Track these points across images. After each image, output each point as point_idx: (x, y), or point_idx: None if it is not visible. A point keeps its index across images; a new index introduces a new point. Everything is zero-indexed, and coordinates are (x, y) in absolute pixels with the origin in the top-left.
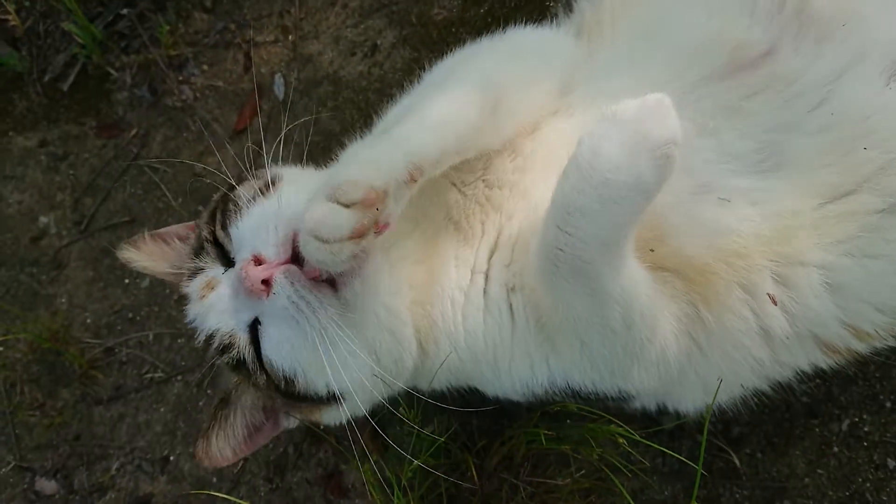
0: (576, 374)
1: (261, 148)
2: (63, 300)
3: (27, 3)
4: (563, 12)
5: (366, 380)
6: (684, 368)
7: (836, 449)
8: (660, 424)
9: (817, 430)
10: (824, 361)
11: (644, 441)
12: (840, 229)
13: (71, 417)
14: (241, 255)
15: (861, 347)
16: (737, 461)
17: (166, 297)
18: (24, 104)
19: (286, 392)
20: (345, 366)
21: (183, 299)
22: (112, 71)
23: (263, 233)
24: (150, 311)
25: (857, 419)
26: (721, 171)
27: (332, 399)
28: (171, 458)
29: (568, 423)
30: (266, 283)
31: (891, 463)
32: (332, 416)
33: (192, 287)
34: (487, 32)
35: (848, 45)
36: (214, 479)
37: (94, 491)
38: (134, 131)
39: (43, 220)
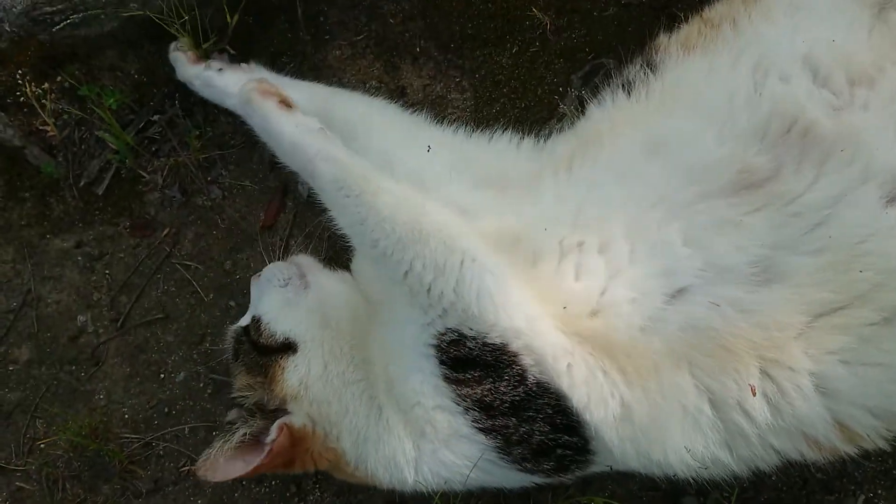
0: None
1: (287, 243)
2: (101, 396)
3: (65, 116)
4: (571, 112)
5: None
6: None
7: None
8: None
9: None
10: (809, 455)
11: None
12: (833, 340)
13: None
14: None
15: (847, 448)
16: None
17: (200, 391)
18: (60, 208)
19: (256, 346)
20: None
21: (217, 392)
22: (144, 174)
23: None
24: (185, 405)
25: (871, 494)
26: (705, 278)
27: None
28: None
29: None
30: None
31: None
32: (292, 375)
33: None
34: (499, 131)
35: (848, 169)
36: None
37: None
38: (166, 230)
39: (81, 318)
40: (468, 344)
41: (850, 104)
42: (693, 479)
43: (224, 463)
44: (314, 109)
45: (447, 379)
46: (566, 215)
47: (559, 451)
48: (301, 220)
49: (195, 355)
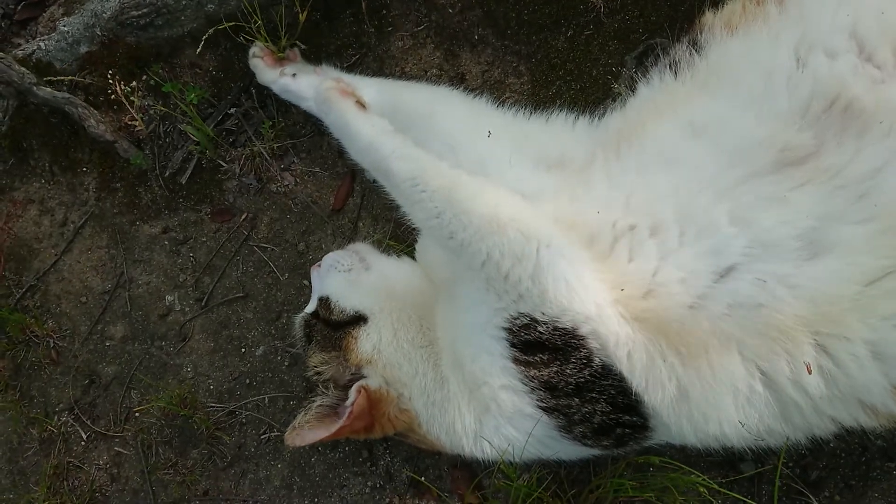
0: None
1: (355, 225)
2: (189, 369)
3: (151, 111)
4: (625, 92)
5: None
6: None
7: None
8: (740, 472)
9: (895, 472)
10: (866, 422)
11: (723, 490)
12: (886, 305)
13: (200, 475)
14: None
15: None
16: None
17: (278, 364)
18: (148, 196)
19: (329, 323)
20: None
21: (293, 365)
22: (223, 163)
23: None
24: (264, 377)
25: None
26: (753, 255)
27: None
28: None
29: (651, 470)
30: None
31: None
32: (365, 342)
33: None
34: (556, 111)
35: (888, 140)
36: None
37: None
38: (244, 215)
39: (169, 298)
40: (539, 328)
41: (893, 76)
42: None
43: (307, 431)
44: (383, 102)
45: (516, 361)
46: (618, 199)
47: (619, 429)
48: (368, 203)
49: (273, 331)
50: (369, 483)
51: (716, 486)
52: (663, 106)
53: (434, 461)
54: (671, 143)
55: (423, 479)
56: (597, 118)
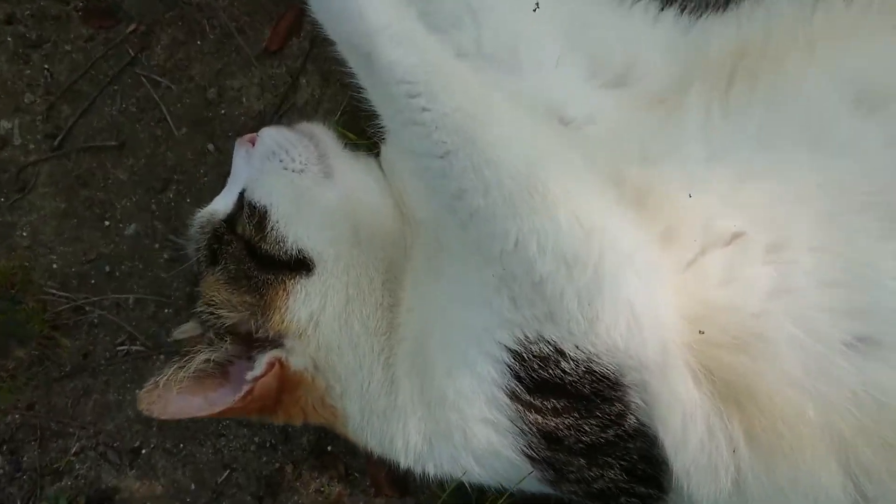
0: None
1: (295, 80)
2: (25, 233)
3: None
4: None
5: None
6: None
7: None
8: None
9: None
10: None
11: None
12: None
13: (25, 383)
14: None
15: None
16: None
17: (154, 254)
18: None
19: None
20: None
21: (176, 260)
22: None
23: None
24: (133, 268)
25: None
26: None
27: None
28: (144, 450)
29: None
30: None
31: None
32: (302, 305)
33: None
34: None
35: None
36: (193, 486)
37: (47, 474)
38: (133, 26)
39: (6, 124)
40: (564, 365)
41: None
42: None
43: (177, 397)
44: None
45: (514, 397)
46: (720, 178)
47: (623, 498)
48: (319, 52)
49: (154, 205)
50: (257, 439)
51: None
52: (821, 40)
53: None
54: (824, 107)
55: (329, 448)
56: (694, 18)
